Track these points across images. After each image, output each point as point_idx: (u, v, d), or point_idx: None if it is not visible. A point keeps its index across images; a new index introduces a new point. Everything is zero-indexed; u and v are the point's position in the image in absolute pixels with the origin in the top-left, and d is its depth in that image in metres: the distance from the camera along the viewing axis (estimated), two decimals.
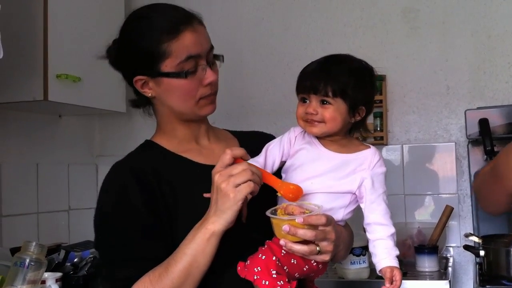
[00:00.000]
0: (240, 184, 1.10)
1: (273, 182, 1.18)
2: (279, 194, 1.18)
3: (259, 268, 1.13)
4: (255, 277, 1.13)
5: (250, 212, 1.20)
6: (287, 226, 1.11)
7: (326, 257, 1.18)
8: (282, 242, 1.13)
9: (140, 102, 1.34)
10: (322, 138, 1.28)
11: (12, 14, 2.13)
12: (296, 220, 1.12)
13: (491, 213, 1.92)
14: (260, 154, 1.28)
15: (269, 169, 1.26)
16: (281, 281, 1.12)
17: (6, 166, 2.35)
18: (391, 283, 1.18)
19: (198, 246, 1.13)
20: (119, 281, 1.16)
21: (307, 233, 1.13)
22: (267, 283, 1.11)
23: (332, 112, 1.23)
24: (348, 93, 1.23)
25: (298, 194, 1.16)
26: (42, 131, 2.56)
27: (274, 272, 1.12)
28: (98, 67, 2.31)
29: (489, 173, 1.74)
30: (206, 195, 1.17)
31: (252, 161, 1.25)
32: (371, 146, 1.29)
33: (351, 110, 1.25)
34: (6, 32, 2.11)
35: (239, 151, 1.15)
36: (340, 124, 1.24)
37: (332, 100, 1.23)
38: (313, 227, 1.14)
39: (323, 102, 1.24)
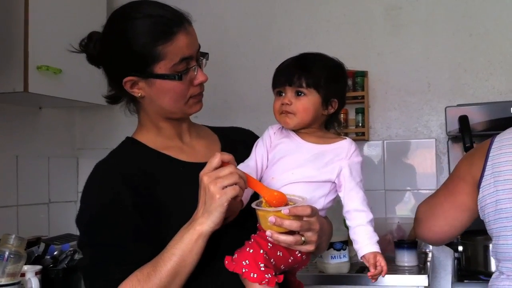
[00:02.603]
0: (226, 186, 1.12)
1: (259, 188, 1.20)
2: (263, 200, 1.19)
3: (247, 261, 1.14)
4: (244, 270, 1.14)
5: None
6: (273, 217, 1.13)
7: (311, 247, 1.20)
8: (268, 233, 1.15)
9: (118, 97, 1.33)
10: (299, 131, 1.32)
11: None
12: (282, 211, 1.14)
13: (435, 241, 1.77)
14: (250, 157, 1.31)
15: (259, 170, 1.29)
16: (269, 274, 1.14)
17: None
18: (375, 268, 1.20)
19: (186, 246, 1.13)
20: (109, 282, 1.15)
21: (293, 224, 1.15)
22: (255, 276, 1.13)
23: (306, 103, 1.28)
24: (321, 84, 1.28)
25: (281, 201, 1.18)
26: (22, 123, 2.53)
27: (262, 265, 1.14)
28: (79, 59, 2.29)
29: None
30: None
31: (243, 164, 1.27)
32: (347, 137, 1.33)
33: (324, 102, 1.30)
34: None
35: (228, 156, 1.16)
36: (312, 115, 1.29)
37: (306, 90, 1.28)
38: (298, 218, 1.16)
39: (297, 94, 1.28)
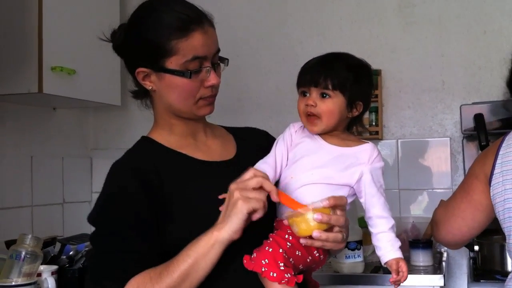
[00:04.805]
0: (251, 198, 1.11)
1: (291, 204, 1.16)
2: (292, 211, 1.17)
3: (266, 260, 1.14)
4: (263, 269, 1.13)
5: None
6: (319, 215, 1.11)
7: (343, 244, 1.20)
8: (316, 234, 1.12)
9: (140, 93, 1.34)
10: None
11: (6, 6, 2.12)
12: (322, 204, 1.12)
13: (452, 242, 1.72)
14: (269, 154, 1.30)
15: (278, 167, 1.28)
16: (289, 274, 1.13)
17: (1, 159, 2.33)
18: (398, 274, 1.21)
19: (202, 249, 1.13)
20: (113, 274, 1.15)
21: (340, 219, 1.14)
22: (275, 275, 1.12)
23: (331, 105, 1.26)
24: (347, 87, 1.26)
25: None
26: (36, 123, 2.55)
27: (282, 264, 1.13)
28: (93, 60, 2.33)
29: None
30: (221, 196, 1.17)
31: (262, 161, 1.27)
32: (369, 142, 1.31)
33: (349, 104, 1.27)
34: (1, 24, 2.11)
35: (261, 173, 1.15)
36: (337, 118, 1.27)
37: (331, 92, 1.25)
38: (334, 212, 1.15)
39: (323, 95, 1.26)
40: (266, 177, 1.15)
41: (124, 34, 1.29)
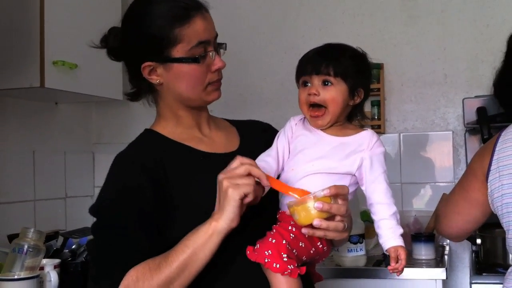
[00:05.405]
0: (240, 184, 1.12)
1: (284, 189, 1.17)
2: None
3: (269, 251, 1.14)
4: (266, 260, 1.14)
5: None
6: (320, 203, 1.12)
7: (346, 234, 1.20)
8: (317, 222, 1.12)
9: (138, 93, 1.33)
10: None
11: (8, 1, 2.11)
12: (323, 193, 1.12)
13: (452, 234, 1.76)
14: (271, 147, 1.30)
15: (280, 160, 1.28)
16: (292, 265, 1.14)
17: (3, 154, 2.34)
18: (396, 262, 1.20)
19: (200, 240, 1.13)
20: (112, 273, 1.15)
21: (341, 208, 1.14)
22: (278, 266, 1.13)
23: (334, 93, 1.26)
24: (348, 73, 1.27)
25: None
26: (38, 118, 2.55)
27: (285, 255, 1.14)
28: (95, 54, 2.30)
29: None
30: None
31: (264, 154, 1.28)
32: (367, 129, 1.32)
33: (351, 91, 1.28)
34: (2, 19, 2.11)
35: (248, 160, 1.16)
36: (341, 106, 1.27)
37: (333, 79, 1.26)
38: (335, 202, 1.15)
39: (325, 83, 1.27)
40: (253, 163, 1.15)
41: (121, 35, 1.28)
